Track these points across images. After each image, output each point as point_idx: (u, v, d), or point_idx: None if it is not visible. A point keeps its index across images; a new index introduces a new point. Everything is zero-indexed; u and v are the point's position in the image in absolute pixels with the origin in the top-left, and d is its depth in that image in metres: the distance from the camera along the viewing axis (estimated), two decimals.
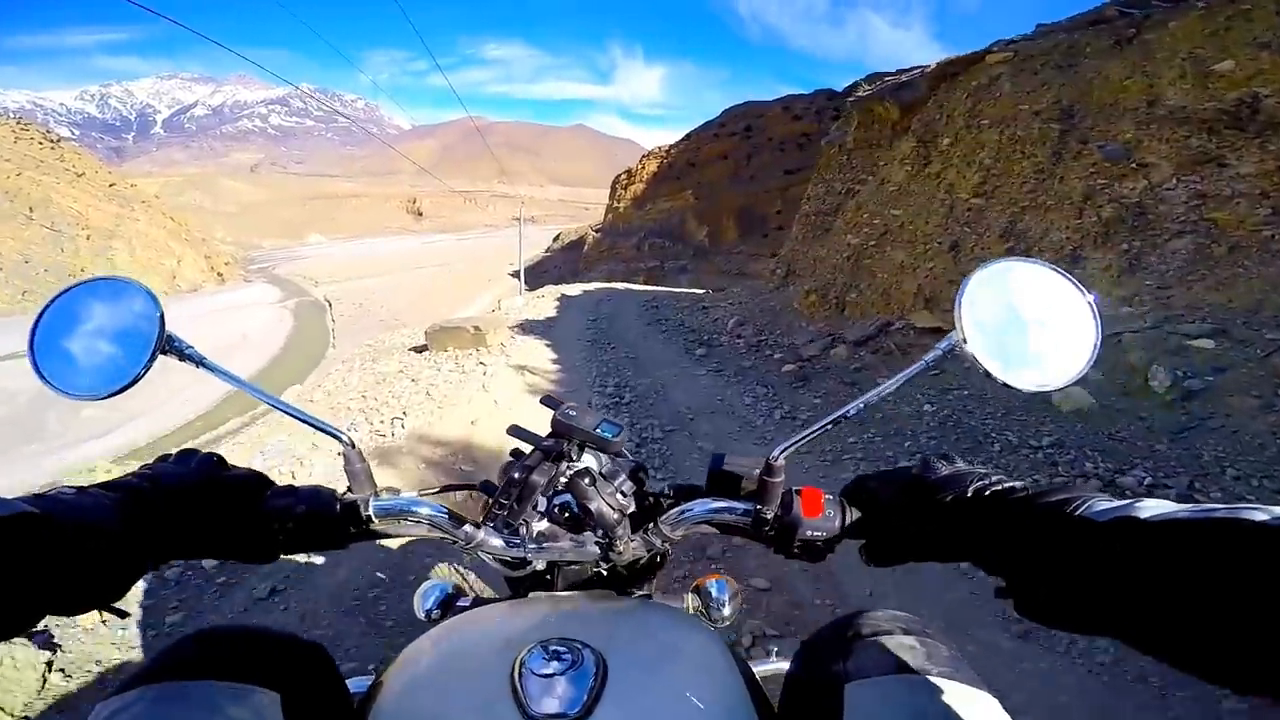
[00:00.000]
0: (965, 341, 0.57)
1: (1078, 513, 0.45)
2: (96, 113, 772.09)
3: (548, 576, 0.71)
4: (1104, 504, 0.45)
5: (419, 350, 9.20)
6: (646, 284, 24.12)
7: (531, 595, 0.71)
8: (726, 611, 0.80)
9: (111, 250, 45.45)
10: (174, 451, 0.64)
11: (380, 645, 2.57)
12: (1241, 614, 0.35)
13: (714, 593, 0.81)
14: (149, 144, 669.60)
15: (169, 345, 0.60)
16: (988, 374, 0.56)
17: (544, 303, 14.62)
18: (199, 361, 0.63)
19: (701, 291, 17.87)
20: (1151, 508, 0.42)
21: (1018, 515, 0.49)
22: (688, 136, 60.84)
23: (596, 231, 69.61)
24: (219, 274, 54.25)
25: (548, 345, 9.14)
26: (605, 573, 0.71)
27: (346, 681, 0.62)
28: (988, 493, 0.53)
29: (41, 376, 0.58)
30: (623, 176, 64.64)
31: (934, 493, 0.56)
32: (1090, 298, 0.58)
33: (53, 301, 0.62)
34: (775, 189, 52.58)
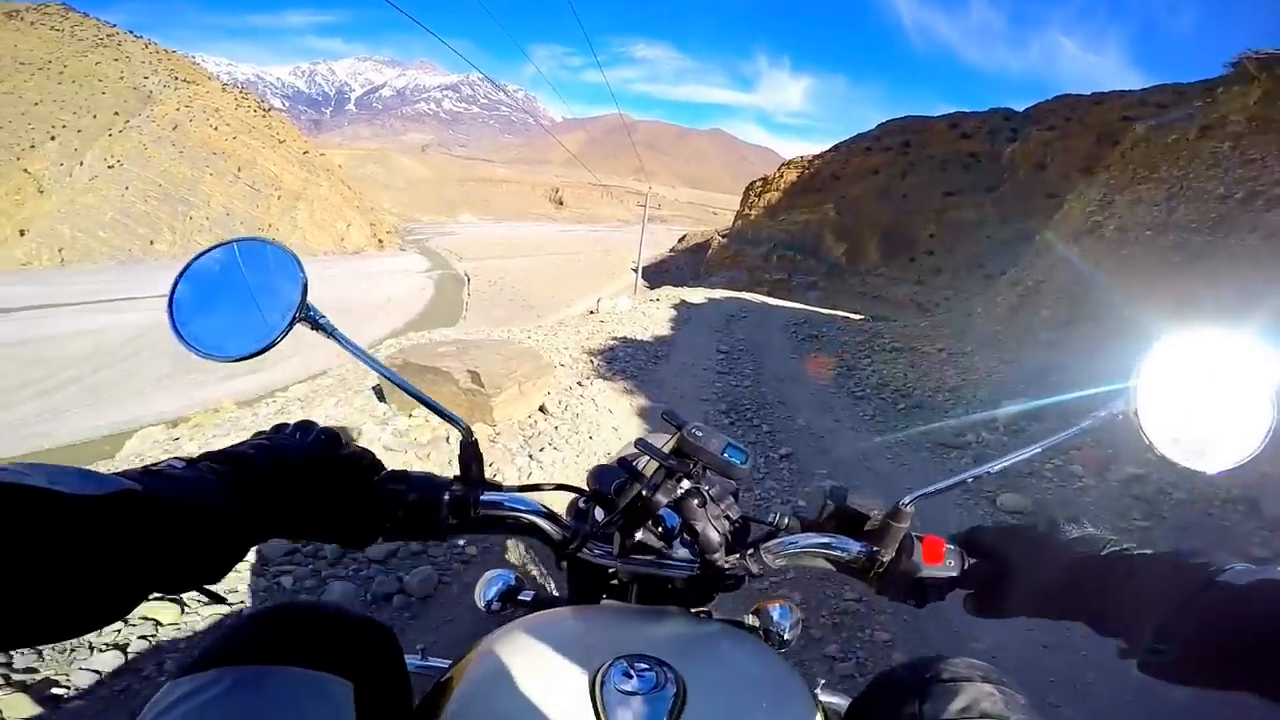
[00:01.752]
0: (1136, 412, 0.55)
1: (1219, 578, 0.46)
2: (304, 88, 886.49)
3: (613, 583, 0.71)
4: (1243, 566, 0.46)
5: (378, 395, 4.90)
6: (771, 295, 22.04)
7: (606, 603, 0.70)
8: (787, 637, 0.79)
9: (296, 210, 51.43)
10: (292, 422, 0.62)
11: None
12: None
13: (775, 617, 0.79)
14: (342, 119, 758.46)
15: (308, 314, 0.60)
16: (1151, 445, 0.55)
17: (657, 310, 11.29)
18: (332, 334, 0.62)
19: (859, 317, 14.38)
20: None
21: (1155, 578, 0.50)
22: (836, 147, 57.80)
23: (723, 237, 68.51)
24: (380, 241, 59.87)
25: (642, 409, 5.11)
26: (674, 588, 0.71)
27: (409, 669, 0.61)
28: (1120, 556, 0.53)
29: (177, 333, 0.58)
30: (758, 183, 62.94)
31: (1063, 551, 0.56)
32: (1275, 381, 0.55)
33: (197, 258, 0.61)
34: (931, 211, 48.35)
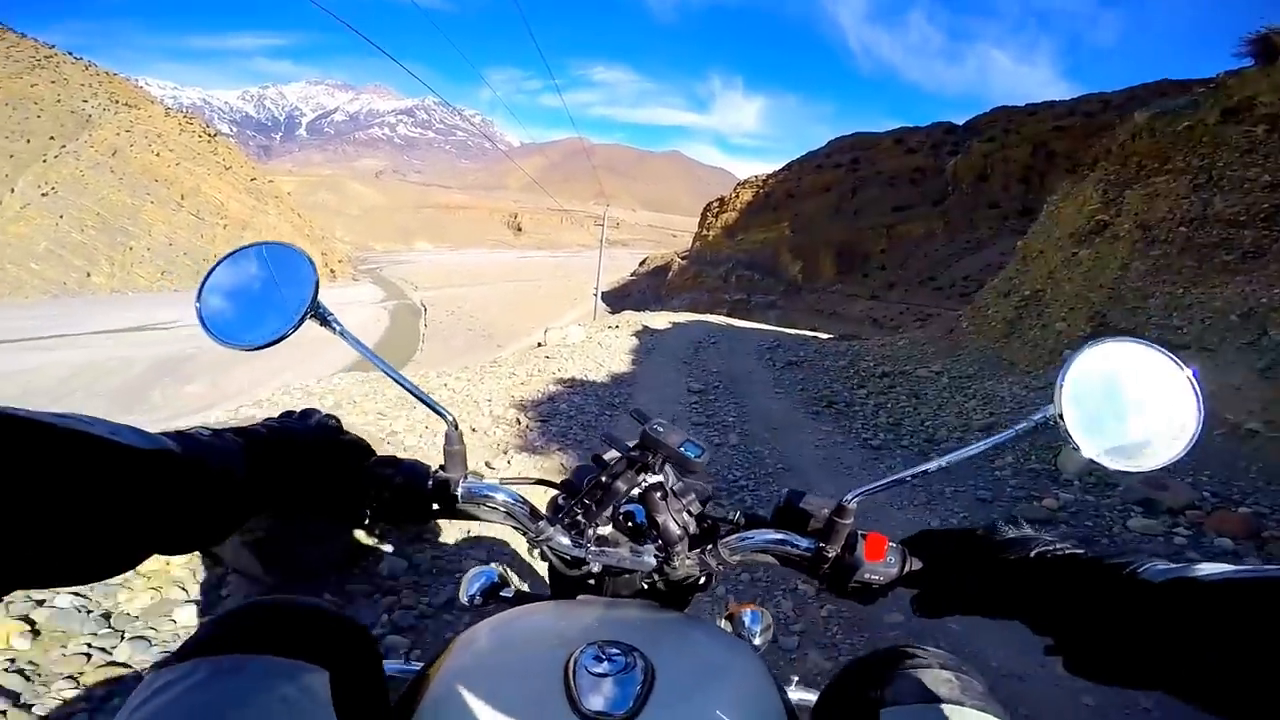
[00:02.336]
0: (1062, 417, 0.58)
1: (1136, 575, 0.47)
2: (253, 112, 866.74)
3: (590, 581, 0.74)
4: (1161, 565, 0.47)
5: None
6: (733, 316, 22.04)
7: (582, 598, 0.74)
8: (758, 641, 0.82)
9: (242, 239, 49.70)
10: (299, 410, 0.68)
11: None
12: None
13: (747, 621, 0.83)
14: (293, 144, 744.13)
15: (317, 311, 0.66)
16: (1077, 449, 0.58)
17: (616, 340, 10.24)
18: (339, 330, 0.69)
19: (828, 336, 14.00)
20: (1207, 569, 0.44)
21: (1076, 577, 0.52)
22: (788, 166, 59.45)
23: (683, 259, 69.45)
24: (332, 271, 58.38)
25: None
26: (649, 586, 0.74)
27: (385, 666, 0.64)
28: (1049, 556, 0.55)
29: (203, 324, 0.65)
30: (714, 204, 64.19)
31: (997, 552, 0.58)
32: (1196, 386, 0.59)
33: (228, 256, 0.69)
34: (881, 226, 50.02)
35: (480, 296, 53.30)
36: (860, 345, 10.97)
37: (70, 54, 52.18)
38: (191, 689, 0.47)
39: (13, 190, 39.84)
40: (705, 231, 64.75)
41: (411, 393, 0.70)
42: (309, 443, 0.62)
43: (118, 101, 49.75)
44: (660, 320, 13.77)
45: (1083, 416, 0.59)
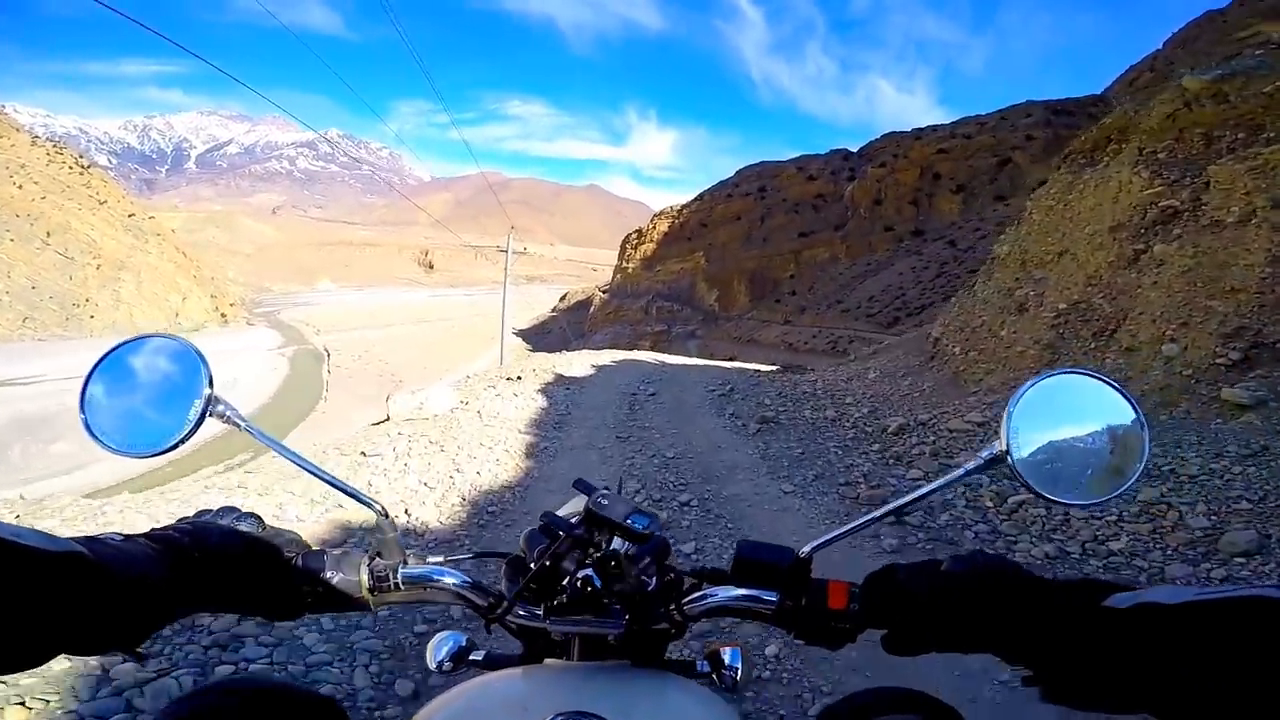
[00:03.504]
0: (1009, 453, 0.58)
1: (1102, 603, 0.49)
2: (136, 144, 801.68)
3: (565, 642, 0.74)
4: (1123, 593, 0.49)
5: None
6: (655, 349, 21.94)
7: (548, 662, 0.73)
8: (738, 679, 0.82)
9: (119, 281, 45.36)
10: (217, 508, 0.66)
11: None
12: (1265, 687, 0.39)
13: (727, 660, 0.83)
14: (180, 178, 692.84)
15: (216, 408, 0.63)
16: (1028, 487, 0.58)
17: (515, 400, 7.93)
18: (244, 426, 0.66)
19: (771, 367, 13.24)
20: (1168, 593, 0.46)
21: (1044, 608, 0.52)
22: (700, 196, 61.66)
23: (604, 292, 69.87)
24: (223, 315, 54.10)
25: None
26: (618, 645, 0.74)
27: None
28: (1010, 586, 0.56)
29: (90, 432, 0.62)
30: (633, 236, 65.32)
31: (960, 586, 0.58)
32: (1140, 418, 0.59)
33: (106, 356, 0.65)
34: (789, 252, 52.61)
35: (390, 338, 51.08)
36: (819, 379, 9.98)
37: None
38: None
39: None
40: (625, 264, 65.57)
41: (335, 486, 0.68)
42: (229, 546, 0.60)
43: None
44: (580, 363, 11.43)
45: (1030, 451, 0.58)
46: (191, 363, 0.64)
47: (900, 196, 51.65)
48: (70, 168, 49.50)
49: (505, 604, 0.70)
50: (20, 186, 43.64)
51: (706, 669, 0.82)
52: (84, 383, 0.63)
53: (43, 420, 18.07)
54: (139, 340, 0.66)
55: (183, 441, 0.62)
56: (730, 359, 16.55)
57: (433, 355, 42.50)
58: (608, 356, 13.19)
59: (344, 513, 4.16)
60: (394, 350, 44.75)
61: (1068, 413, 0.60)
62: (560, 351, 14.90)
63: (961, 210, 49.44)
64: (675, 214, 61.99)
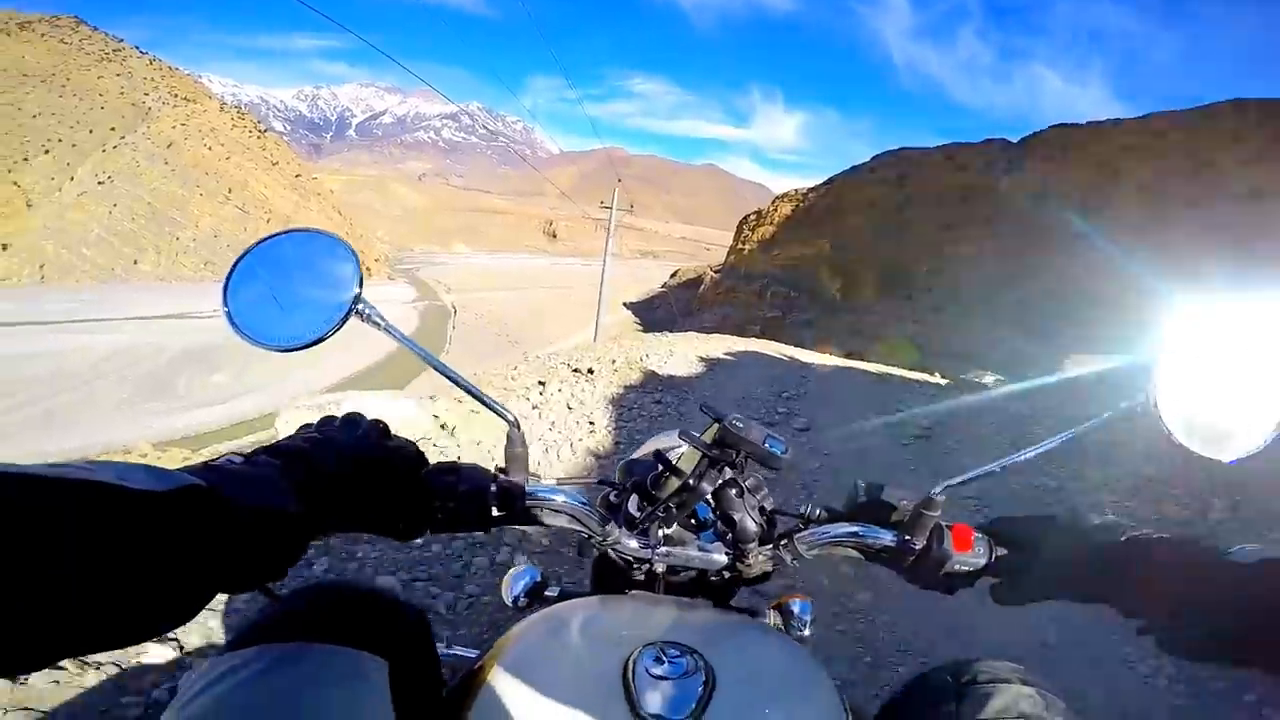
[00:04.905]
0: (1156, 404, 0.56)
1: (1226, 558, 0.49)
2: (307, 111, 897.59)
3: (639, 577, 0.72)
4: (1251, 547, 0.49)
5: None
6: (764, 335, 19.80)
7: (635, 594, 0.72)
8: (807, 632, 0.82)
9: None
10: (340, 416, 0.62)
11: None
12: None
13: (796, 611, 0.82)
14: (343, 144, 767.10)
15: (359, 308, 0.61)
16: (1170, 434, 0.56)
17: (545, 449, 4.47)
18: (385, 328, 0.63)
19: (941, 380, 10.01)
20: None
21: (1168, 559, 0.53)
22: (830, 181, 58.24)
23: (716, 272, 68.55)
24: (368, 269, 59.04)
25: None
26: (697, 580, 0.72)
27: (440, 651, 0.63)
28: (1142, 540, 0.55)
29: (231, 321, 0.58)
30: (751, 217, 63.17)
31: (1085, 537, 0.58)
32: None
33: (256, 245, 0.62)
34: (928, 245, 48.52)
35: (512, 301, 53.25)
36: (1037, 399, 6.67)
37: (138, 49, 54.24)
38: (253, 677, 0.47)
39: (72, 178, 41.21)
40: (741, 245, 63.85)
41: (470, 393, 0.66)
42: (356, 456, 0.56)
43: (177, 95, 51.38)
44: (683, 353, 8.56)
45: (1179, 396, 0.55)
46: (343, 259, 0.61)
47: (1068, 194, 45.46)
48: (250, 132, 55.79)
49: (619, 527, 0.68)
50: (209, 148, 49.90)
51: (776, 619, 0.80)
52: (231, 269, 0.60)
53: (207, 352, 20.40)
54: (290, 233, 0.63)
55: (323, 339, 0.59)
56: (849, 355, 14.66)
57: (548, 320, 43.80)
58: (720, 346, 10.34)
59: None
60: (513, 313, 46.59)
61: (1226, 352, 0.55)
62: (664, 333, 12.71)
63: (1147, 214, 42.61)
64: (800, 197, 59.06)
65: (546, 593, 0.78)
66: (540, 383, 5.20)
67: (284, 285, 0.61)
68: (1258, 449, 0.54)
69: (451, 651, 0.67)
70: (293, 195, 54.66)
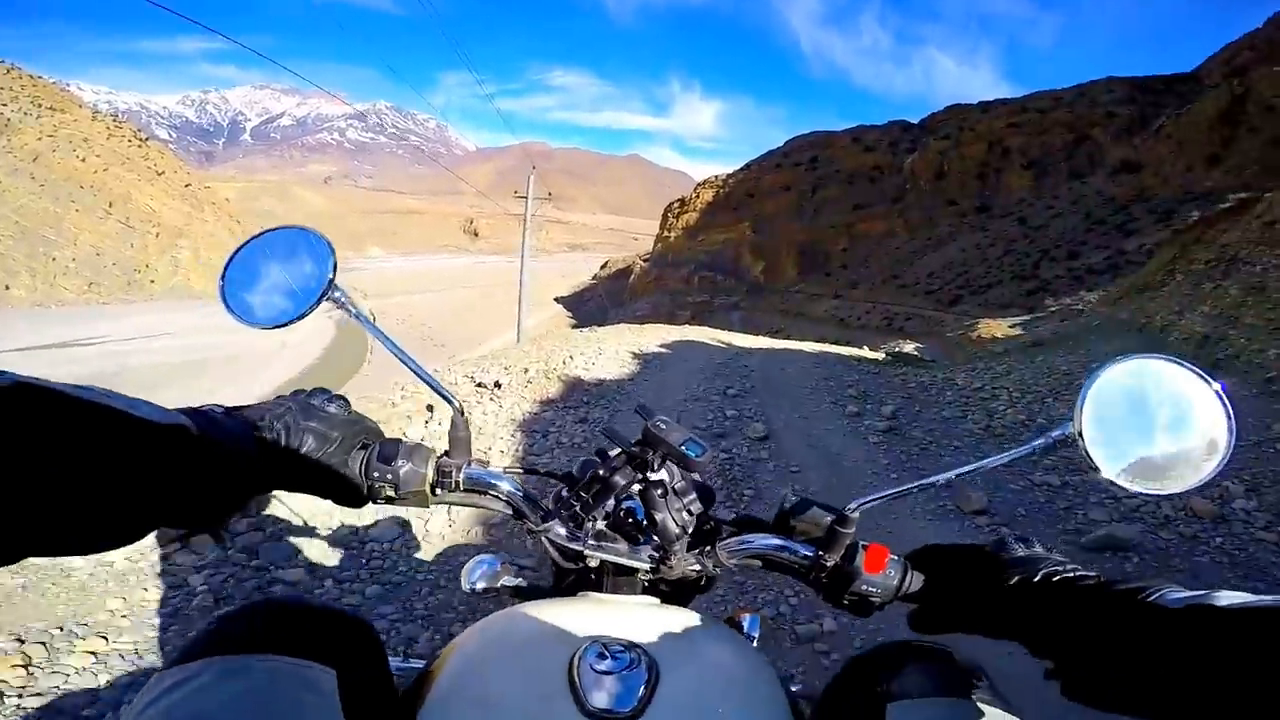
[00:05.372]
0: (1081, 435, 0.56)
1: (1150, 599, 0.47)
2: (194, 117, 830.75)
3: (593, 577, 0.74)
4: (1178, 593, 0.46)
5: None
6: (695, 320, 19.98)
7: (583, 594, 0.74)
8: (754, 646, 0.83)
9: (177, 249, 46.93)
10: (308, 389, 0.68)
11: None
12: None
13: (746, 627, 0.85)
14: (237, 150, 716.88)
15: (333, 292, 0.69)
16: (1096, 469, 0.56)
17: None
18: (354, 313, 0.73)
19: (875, 355, 10.91)
20: (1228, 597, 0.43)
21: (1084, 600, 0.51)
22: (747, 166, 59.57)
23: (644, 261, 68.79)
24: None
25: None
26: (650, 584, 0.74)
27: (391, 663, 0.64)
28: (1057, 579, 0.55)
29: (225, 304, 0.69)
30: (675, 205, 63.88)
31: (1002, 571, 0.58)
32: (1228, 410, 0.56)
33: (248, 242, 0.72)
34: (841, 224, 50.44)
35: (434, 303, 51.62)
36: (987, 375, 7.14)
37: None
38: (200, 690, 0.47)
39: None
40: (666, 233, 64.31)
41: (419, 375, 0.73)
42: (314, 424, 0.62)
43: (41, 105, 46.18)
44: (614, 348, 7.96)
45: (1104, 435, 0.56)
46: (322, 251, 0.71)
47: (965, 171, 48.63)
48: (129, 141, 51.02)
49: (552, 514, 0.70)
50: (83, 159, 45.28)
51: None
52: (228, 261, 0.71)
53: (102, 381, 18.55)
54: (282, 230, 0.73)
55: (301, 316, 0.68)
56: (775, 334, 15.02)
57: (474, 320, 42.74)
58: (654, 337, 9.46)
59: None
60: (437, 315, 45.19)
61: (1148, 399, 0.57)
62: (593, 328, 12.00)
63: (1033, 187, 46.13)
64: (720, 183, 60.07)
65: (504, 580, 0.80)
66: (429, 407, 4.09)
67: (269, 274, 0.71)
68: (1189, 489, 0.56)
69: (405, 663, 0.68)
70: (183, 206, 50.51)
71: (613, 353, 7.69)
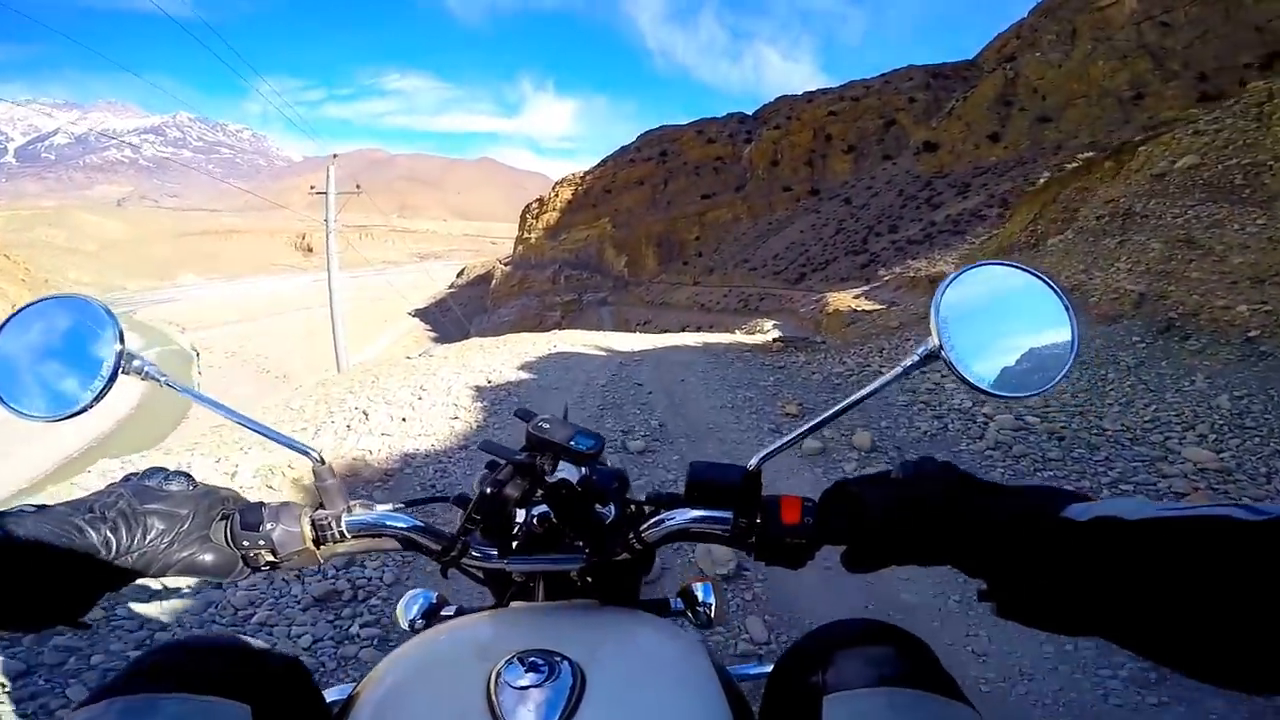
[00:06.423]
0: (942, 348, 0.57)
1: (1059, 514, 0.46)
2: None
3: (530, 585, 0.72)
4: (1083, 504, 0.46)
5: None
6: (564, 320, 19.54)
7: (513, 605, 0.71)
8: (713, 614, 0.83)
9: None
10: (142, 470, 0.63)
11: None
12: (1225, 610, 0.36)
13: (700, 595, 0.84)
14: None
15: (129, 364, 0.61)
16: (964, 381, 0.57)
17: None
18: (163, 381, 0.64)
19: (754, 340, 10.64)
20: (1132, 507, 0.43)
21: (998, 518, 0.50)
22: (603, 162, 60.15)
23: (505, 264, 66.91)
24: None
25: None
26: (590, 580, 0.72)
27: (325, 694, 0.62)
28: (966, 495, 0.54)
29: (2, 400, 0.59)
30: (534, 205, 62.91)
31: (913, 497, 0.56)
32: (1068, 308, 0.58)
33: (7, 320, 0.62)
34: (693, 214, 52.32)
35: (269, 330, 46.36)
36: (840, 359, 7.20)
37: None
38: None
39: None
40: (526, 234, 63.05)
41: (266, 435, 0.66)
42: (161, 505, 0.58)
43: None
44: (468, 376, 6.18)
45: (965, 346, 0.57)
46: (98, 319, 0.61)
47: (796, 158, 52.79)
48: None
49: (459, 545, 0.66)
50: None
51: (680, 606, 0.82)
52: None
53: None
54: (37, 304, 0.63)
55: (97, 400, 0.60)
56: (645, 323, 14.89)
57: (319, 345, 38.78)
58: (521, 353, 7.89)
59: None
60: (274, 342, 40.62)
61: (996, 306, 0.59)
62: (442, 346, 10.53)
63: (853, 169, 51.16)
64: (578, 181, 60.03)
65: (443, 613, 0.77)
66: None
67: (44, 355, 0.61)
68: (1043, 391, 0.57)
69: (340, 692, 0.65)
70: None
71: (465, 385, 5.58)
